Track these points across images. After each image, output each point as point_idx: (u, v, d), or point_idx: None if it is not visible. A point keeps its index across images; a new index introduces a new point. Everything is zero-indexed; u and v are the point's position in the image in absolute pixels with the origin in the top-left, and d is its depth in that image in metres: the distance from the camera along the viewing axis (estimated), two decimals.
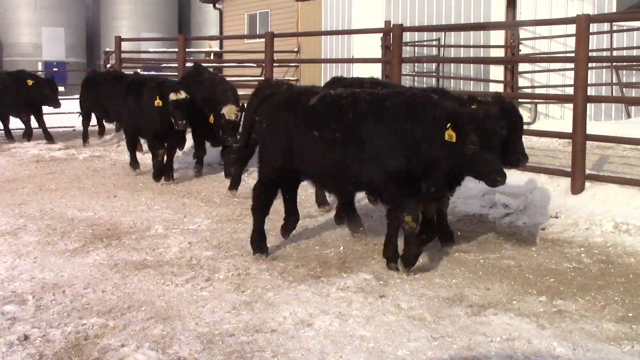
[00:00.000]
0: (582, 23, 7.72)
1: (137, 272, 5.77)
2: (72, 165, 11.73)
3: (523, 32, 15.34)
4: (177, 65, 14.61)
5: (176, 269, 5.85)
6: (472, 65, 15.42)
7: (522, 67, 15.28)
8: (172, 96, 9.29)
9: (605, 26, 14.71)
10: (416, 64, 16.19)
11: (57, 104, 14.41)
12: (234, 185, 9.10)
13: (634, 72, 15.66)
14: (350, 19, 19.01)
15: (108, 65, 18.94)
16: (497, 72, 15.18)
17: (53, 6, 34.55)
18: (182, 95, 9.32)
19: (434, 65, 16.21)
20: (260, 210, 6.34)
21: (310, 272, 5.82)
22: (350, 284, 5.45)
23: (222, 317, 4.76)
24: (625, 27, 15.15)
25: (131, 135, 10.97)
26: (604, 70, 15.03)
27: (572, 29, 9.49)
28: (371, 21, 17.46)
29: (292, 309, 4.87)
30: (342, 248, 6.56)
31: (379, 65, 14.28)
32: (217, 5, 26.25)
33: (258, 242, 6.32)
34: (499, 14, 15.13)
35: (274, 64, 12.14)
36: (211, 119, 9.60)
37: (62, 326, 4.56)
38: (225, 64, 21.14)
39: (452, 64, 15.91)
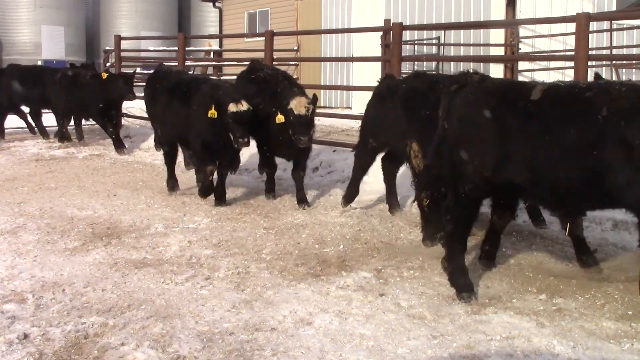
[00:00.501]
0: (582, 21, 7.72)
1: (136, 270, 5.77)
2: (71, 164, 11.72)
3: (523, 31, 15.37)
4: (176, 64, 14.58)
5: (176, 268, 5.85)
6: (472, 63, 15.39)
7: (522, 65, 15.31)
8: (232, 107, 7.59)
9: (605, 24, 14.71)
10: (416, 63, 16.18)
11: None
12: (430, 236, 6.46)
13: (633, 70, 15.66)
14: (349, 17, 19.02)
15: (107, 64, 18.95)
16: (497, 70, 15.18)
17: (53, 5, 34.51)
18: (244, 106, 7.62)
19: (433, 63, 16.21)
20: (461, 237, 5.30)
21: (310, 270, 5.82)
22: (350, 282, 5.45)
23: (222, 315, 4.76)
24: (625, 26, 15.15)
25: (172, 146, 9.30)
26: (604, 68, 15.04)
27: (571, 27, 9.50)
28: (371, 20, 17.46)
29: (291, 308, 4.87)
30: (341, 247, 6.56)
31: (378, 64, 14.27)
32: (216, 4, 26.28)
33: (462, 278, 5.24)
34: (498, 12, 15.15)
35: (274, 63, 12.13)
36: (279, 118, 7.81)
37: (61, 325, 4.56)
38: (225, 63, 21.14)
39: (452, 63, 15.90)
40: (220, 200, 8.37)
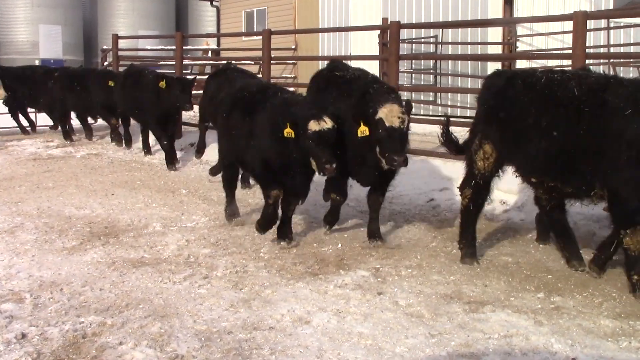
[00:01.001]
0: (579, 20, 7.73)
1: (134, 270, 5.77)
2: (69, 163, 11.71)
3: (520, 29, 15.37)
4: (174, 62, 14.57)
5: (174, 267, 5.85)
6: (469, 62, 15.44)
7: (520, 64, 15.30)
8: (314, 126, 6.03)
9: (603, 23, 14.72)
10: (413, 61, 16.19)
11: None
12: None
13: (630, 68, 15.67)
14: (347, 16, 19.02)
15: (105, 63, 18.93)
16: (494, 69, 15.18)
17: (50, 4, 34.45)
18: (328, 124, 6.06)
19: (431, 62, 16.22)
20: None
21: (308, 269, 5.82)
22: (348, 281, 5.45)
23: (220, 314, 4.76)
24: (622, 24, 15.16)
25: (232, 167, 7.54)
26: (601, 67, 15.05)
27: (569, 25, 9.50)
28: (368, 18, 17.48)
29: (290, 307, 4.87)
30: (340, 245, 6.56)
31: (376, 63, 14.28)
32: (214, 3, 26.25)
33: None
34: (496, 11, 15.16)
35: (272, 62, 12.13)
36: (361, 130, 6.12)
37: (59, 324, 4.56)
38: (223, 62, 21.11)
39: (449, 61, 15.93)
40: (284, 237, 6.63)
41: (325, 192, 7.32)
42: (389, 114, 5.95)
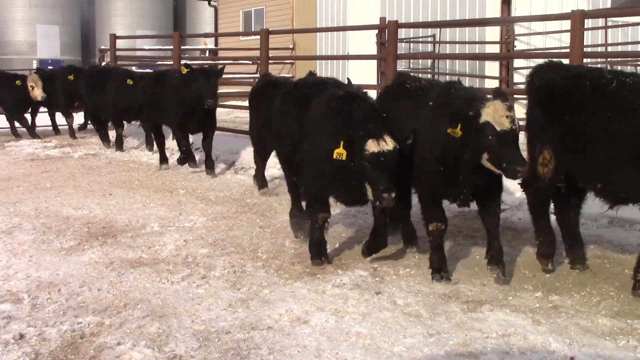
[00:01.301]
0: (577, 19, 7.74)
1: (132, 270, 5.76)
2: (67, 164, 11.70)
3: (518, 28, 15.40)
4: (172, 62, 14.57)
5: (172, 267, 5.85)
6: (467, 61, 15.46)
7: (518, 63, 15.34)
8: (372, 146, 5.11)
9: (600, 22, 14.76)
10: (411, 61, 16.22)
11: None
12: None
13: (628, 67, 15.70)
14: (345, 15, 19.05)
15: (103, 64, 18.92)
16: (492, 68, 15.23)
17: (48, 4, 34.43)
18: (389, 144, 5.13)
19: (429, 61, 16.25)
20: None
21: (306, 269, 5.82)
22: (346, 280, 5.45)
23: (218, 314, 4.76)
24: (620, 23, 15.19)
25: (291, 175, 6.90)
26: (599, 66, 15.07)
27: (567, 24, 9.51)
28: (366, 18, 17.51)
29: (288, 306, 4.87)
30: (337, 245, 6.56)
31: (374, 62, 14.30)
32: (212, 3, 26.31)
33: None
34: (494, 10, 15.19)
35: (269, 61, 12.14)
36: (455, 131, 5.00)
37: (57, 325, 4.56)
38: (221, 62, 21.12)
39: (447, 61, 15.96)
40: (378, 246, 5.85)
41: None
42: (495, 114, 4.86)
